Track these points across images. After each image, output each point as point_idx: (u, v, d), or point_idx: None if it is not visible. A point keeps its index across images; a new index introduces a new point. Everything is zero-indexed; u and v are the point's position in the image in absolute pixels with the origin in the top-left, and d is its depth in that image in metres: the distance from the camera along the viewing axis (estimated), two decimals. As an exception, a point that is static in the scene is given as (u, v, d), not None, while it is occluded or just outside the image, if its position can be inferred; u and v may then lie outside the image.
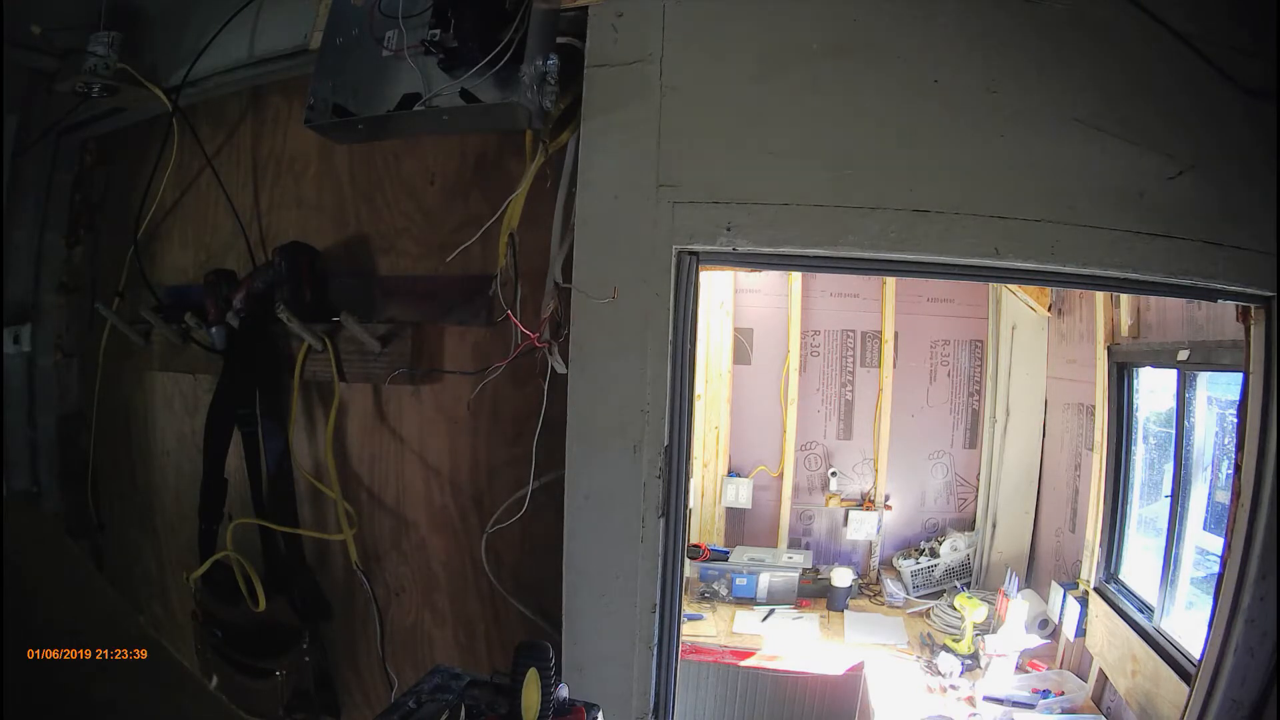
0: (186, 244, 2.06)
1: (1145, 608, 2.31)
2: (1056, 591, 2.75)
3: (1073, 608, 2.61)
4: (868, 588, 3.49)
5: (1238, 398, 1.44)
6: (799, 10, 1.37)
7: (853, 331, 3.62)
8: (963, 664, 2.74)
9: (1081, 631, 2.58)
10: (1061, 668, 2.74)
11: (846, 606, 3.27)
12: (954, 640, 2.89)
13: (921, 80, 1.33)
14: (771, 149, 1.36)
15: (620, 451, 1.40)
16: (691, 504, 2.96)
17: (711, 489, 3.64)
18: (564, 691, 1.03)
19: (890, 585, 3.38)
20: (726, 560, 3.34)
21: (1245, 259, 1.30)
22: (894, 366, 3.53)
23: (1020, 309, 3.37)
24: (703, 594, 3.30)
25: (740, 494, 3.64)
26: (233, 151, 1.98)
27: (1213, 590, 1.49)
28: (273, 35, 1.77)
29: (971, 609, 2.83)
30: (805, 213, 1.34)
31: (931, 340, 3.56)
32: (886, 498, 3.57)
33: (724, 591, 3.29)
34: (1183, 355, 2.11)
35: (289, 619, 1.74)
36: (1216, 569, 1.52)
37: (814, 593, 3.33)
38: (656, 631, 1.43)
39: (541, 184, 1.48)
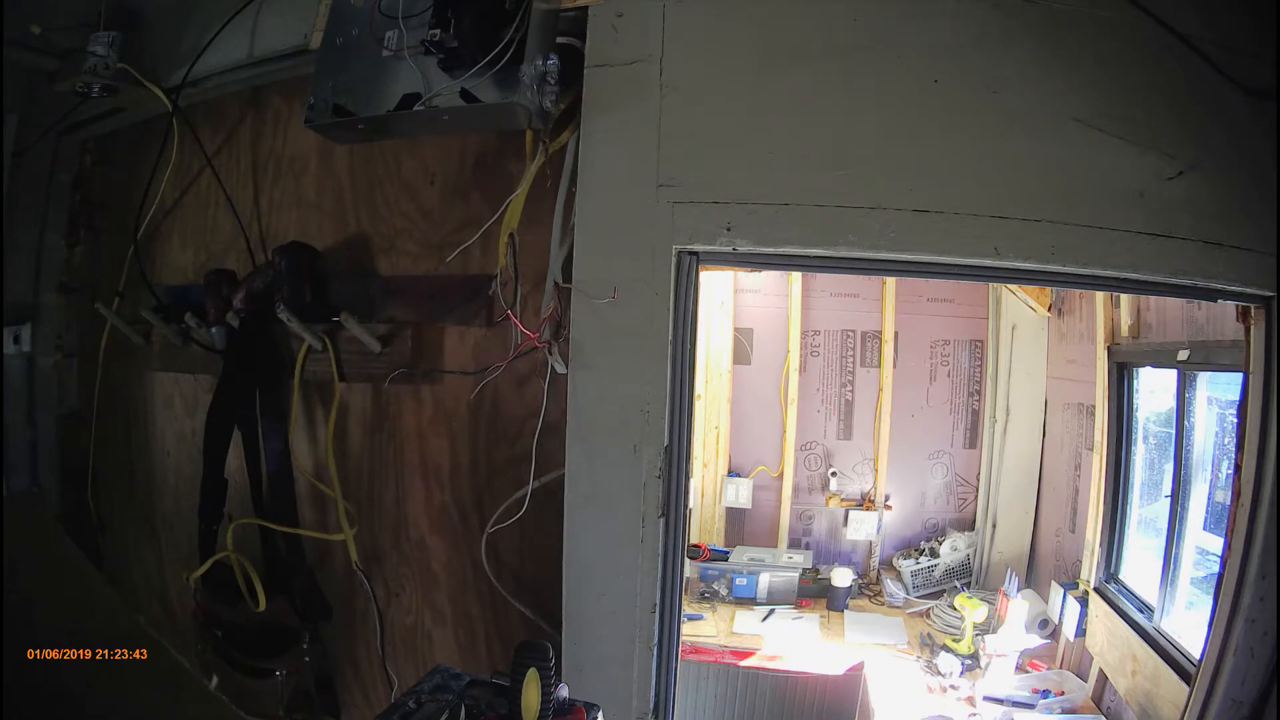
0: (186, 244, 2.06)
1: (1145, 608, 2.31)
2: (1056, 591, 2.75)
3: (1073, 608, 2.61)
4: (868, 588, 3.48)
5: (1238, 398, 1.44)
6: (799, 10, 1.37)
7: (853, 331, 3.61)
8: (963, 664, 2.73)
9: (1081, 631, 2.58)
10: (1061, 668, 2.74)
11: (846, 606, 3.27)
12: (954, 640, 2.89)
13: (921, 80, 1.33)
14: (771, 149, 1.36)
15: (620, 451, 1.40)
16: (691, 504, 2.95)
17: (711, 489, 3.64)
18: (564, 691, 1.03)
19: (890, 585, 3.38)
20: (726, 560, 3.34)
21: (1245, 259, 1.30)
22: (894, 366, 3.53)
23: (1020, 309, 3.37)
24: (703, 594, 3.30)
25: (740, 494, 3.64)
26: (233, 151, 1.98)
27: (1213, 590, 1.49)
28: (273, 35, 1.77)
29: (971, 609, 2.83)
30: (805, 213, 1.34)
31: (931, 340, 3.56)
32: (886, 498, 3.57)
33: (724, 591, 3.29)
34: (1183, 355, 2.11)
35: (289, 619, 1.74)
36: (1216, 569, 1.52)
37: (814, 593, 3.33)
38: (656, 631, 1.43)
39: (541, 184, 1.48)
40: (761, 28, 1.38)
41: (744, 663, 2.93)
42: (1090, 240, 1.29)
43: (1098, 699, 2.48)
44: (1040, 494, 3.33)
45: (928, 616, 3.18)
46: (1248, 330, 1.41)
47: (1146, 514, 2.55)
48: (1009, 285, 3.24)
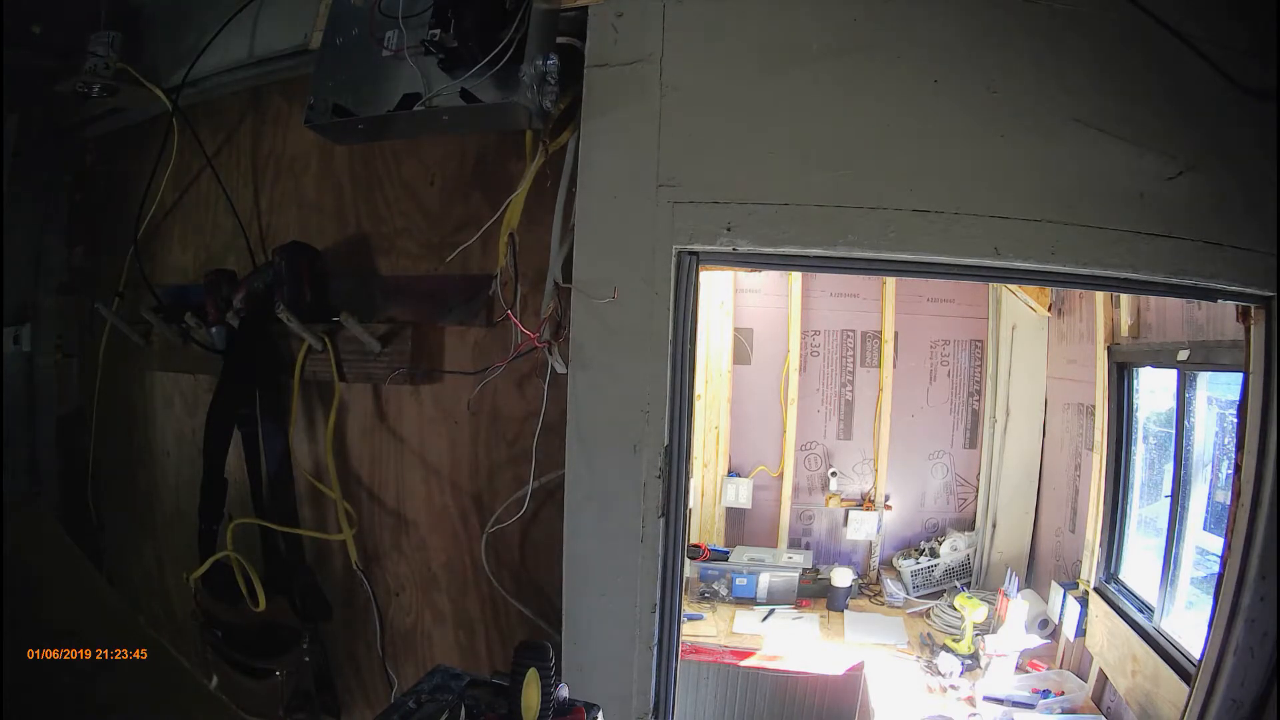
0: (186, 244, 2.06)
1: (1145, 608, 2.31)
2: (1056, 591, 2.75)
3: (1073, 608, 2.61)
4: (868, 588, 3.49)
5: (1238, 398, 1.44)
6: (799, 10, 1.37)
7: (853, 331, 3.62)
8: (963, 664, 2.74)
9: (1081, 631, 2.58)
10: (1061, 668, 2.74)
11: (846, 606, 3.27)
12: (954, 640, 2.89)
13: (921, 80, 1.33)
14: (771, 149, 1.36)
15: (620, 451, 1.40)
16: (691, 504, 2.96)
17: (711, 489, 3.64)
18: (564, 691, 1.03)
19: (890, 585, 3.38)
20: (726, 560, 3.34)
21: (1245, 259, 1.30)
22: (894, 366, 3.54)
23: (1020, 309, 3.37)
24: (703, 594, 3.30)
25: (740, 494, 3.64)
26: (233, 151, 1.98)
27: (1213, 590, 1.49)
28: (273, 35, 1.77)
29: (971, 609, 2.83)
30: (805, 213, 1.34)
31: (931, 340, 3.56)
32: (886, 498, 3.57)
33: (724, 591, 3.29)
34: (1183, 355, 2.11)
35: (289, 619, 1.74)
36: (1216, 569, 1.52)
37: (814, 593, 3.33)
38: (656, 631, 1.43)
39: (541, 184, 1.48)
40: (761, 28, 1.38)
41: (744, 663, 2.93)
42: (1090, 240, 1.29)
43: (1098, 699, 2.48)
44: (1040, 494, 3.33)
45: (928, 616, 3.19)
46: (1248, 330, 1.41)
47: (1146, 514, 2.55)
48: (1009, 285, 3.24)
